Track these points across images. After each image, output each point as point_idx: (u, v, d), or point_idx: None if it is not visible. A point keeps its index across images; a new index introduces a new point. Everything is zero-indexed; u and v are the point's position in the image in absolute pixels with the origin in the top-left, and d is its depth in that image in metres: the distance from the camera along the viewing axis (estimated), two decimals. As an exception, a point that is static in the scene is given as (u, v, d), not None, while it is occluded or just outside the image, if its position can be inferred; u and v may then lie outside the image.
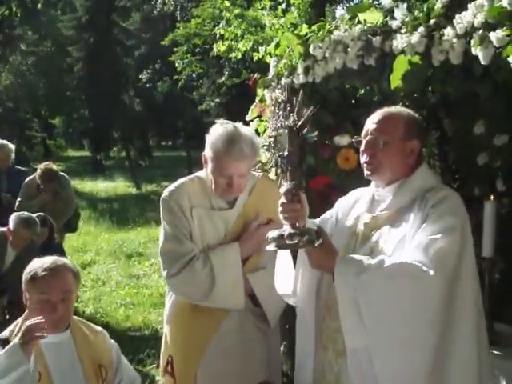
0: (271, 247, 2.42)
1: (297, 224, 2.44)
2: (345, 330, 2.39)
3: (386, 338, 2.32)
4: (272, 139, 2.61)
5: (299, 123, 2.47)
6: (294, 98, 2.53)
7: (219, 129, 3.06)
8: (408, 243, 2.40)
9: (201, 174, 3.26)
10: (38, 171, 7.27)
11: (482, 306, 2.48)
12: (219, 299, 3.11)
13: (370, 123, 2.61)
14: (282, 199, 2.47)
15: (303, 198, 2.52)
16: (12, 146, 7.69)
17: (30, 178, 7.37)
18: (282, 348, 4.30)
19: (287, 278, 2.74)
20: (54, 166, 7.51)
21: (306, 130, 2.49)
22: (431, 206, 2.41)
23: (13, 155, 7.62)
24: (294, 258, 2.68)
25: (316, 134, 2.52)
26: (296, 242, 2.37)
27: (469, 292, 2.36)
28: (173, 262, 3.09)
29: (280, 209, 2.47)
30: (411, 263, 2.28)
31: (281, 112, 2.55)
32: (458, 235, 2.34)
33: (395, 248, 2.44)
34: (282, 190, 2.49)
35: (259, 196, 3.24)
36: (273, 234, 2.41)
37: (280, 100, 2.58)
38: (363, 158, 2.63)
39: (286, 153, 2.49)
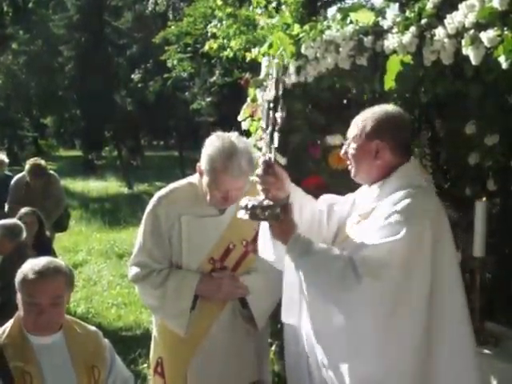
0: (241, 215, 2.55)
1: (269, 196, 2.56)
2: (283, 303, 2.58)
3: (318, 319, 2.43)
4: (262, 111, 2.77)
5: (272, 98, 2.56)
6: (276, 73, 2.67)
7: (216, 142, 2.98)
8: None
9: (193, 179, 3.22)
10: (27, 166, 7.30)
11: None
12: (164, 320, 3.26)
13: (350, 126, 2.65)
14: (258, 170, 2.60)
15: (278, 172, 2.62)
16: (6, 160, 7.81)
17: (19, 175, 7.39)
18: (273, 348, 4.31)
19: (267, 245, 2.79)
20: (43, 162, 7.51)
21: (277, 107, 2.57)
22: (395, 211, 2.37)
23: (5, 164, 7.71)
24: None
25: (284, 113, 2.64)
26: (259, 213, 2.51)
27: (412, 304, 2.33)
28: (135, 266, 3.23)
29: (257, 179, 2.61)
30: (345, 262, 2.36)
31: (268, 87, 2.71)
32: (404, 246, 2.30)
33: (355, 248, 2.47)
34: (260, 161, 2.61)
35: None
36: (245, 202, 2.55)
37: (270, 76, 2.73)
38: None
39: (263, 125, 2.63)
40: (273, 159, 2.62)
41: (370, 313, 2.31)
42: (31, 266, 2.78)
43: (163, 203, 3.17)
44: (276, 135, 2.59)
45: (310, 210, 2.79)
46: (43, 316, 2.73)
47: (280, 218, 2.51)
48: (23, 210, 6.12)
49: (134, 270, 3.22)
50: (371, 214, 2.52)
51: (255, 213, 2.51)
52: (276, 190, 2.60)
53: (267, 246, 2.78)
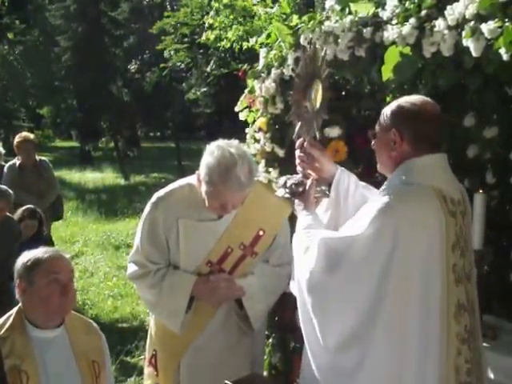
0: (281, 193, 2.87)
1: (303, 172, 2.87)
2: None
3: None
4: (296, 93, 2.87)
5: (324, 75, 2.70)
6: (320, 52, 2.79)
7: (216, 153, 2.91)
8: None
9: (192, 180, 3.16)
10: (16, 140, 7.38)
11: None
12: (159, 318, 3.29)
13: None
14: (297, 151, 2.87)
15: (314, 153, 2.82)
16: (3, 151, 7.81)
17: (11, 162, 7.43)
18: (270, 340, 4.31)
19: None
20: (31, 135, 7.63)
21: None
22: (368, 205, 2.38)
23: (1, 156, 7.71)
24: None
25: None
26: (287, 190, 2.83)
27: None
28: (133, 263, 3.25)
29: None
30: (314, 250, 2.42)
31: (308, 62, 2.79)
32: (363, 242, 2.28)
33: None
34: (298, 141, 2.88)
35: (251, 206, 3.16)
36: (282, 179, 2.87)
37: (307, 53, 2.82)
38: None
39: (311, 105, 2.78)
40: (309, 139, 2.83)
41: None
42: (35, 252, 2.73)
43: (161, 205, 3.14)
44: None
45: (360, 195, 2.79)
46: (68, 295, 2.69)
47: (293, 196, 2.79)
48: (25, 212, 6.06)
49: (131, 268, 3.23)
50: None
51: (286, 189, 2.83)
52: (312, 169, 2.84)
53: None
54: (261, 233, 3.16)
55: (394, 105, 2.47)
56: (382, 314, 2.25)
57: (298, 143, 2.87)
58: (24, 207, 6.08)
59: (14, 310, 2.77)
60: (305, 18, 3.83)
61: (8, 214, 5.58)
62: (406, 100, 2.46)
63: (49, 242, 6.50)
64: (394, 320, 2.25)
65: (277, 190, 2.88)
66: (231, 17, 11.10)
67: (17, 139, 7.36)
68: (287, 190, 2.77)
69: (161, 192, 3.21)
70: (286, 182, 2.78)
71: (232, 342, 3.22)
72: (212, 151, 2.93)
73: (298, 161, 2.86)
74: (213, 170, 2.89)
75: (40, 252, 2.73)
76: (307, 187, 2.75)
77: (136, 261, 3.21)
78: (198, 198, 3.07)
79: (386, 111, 2.47)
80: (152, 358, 3.35)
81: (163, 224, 3.12)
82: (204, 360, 3.19)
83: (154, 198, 3.19)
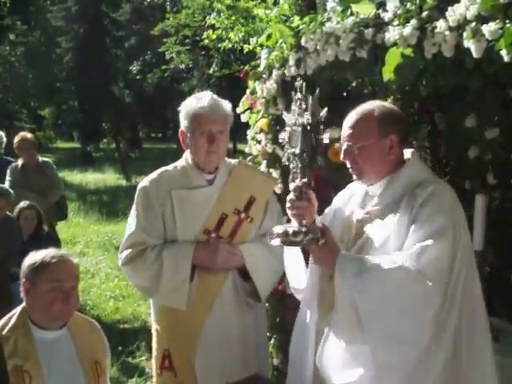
0: (276, 242, 2.43)
1: (303, 222, 2.47)
2: (339, 325, 2.46)
3: (382, 334, 2.35)
4: (286, 135, 2.63)
5: (312, 122, 2.49)
6: (310, 97, 2.53)
7: (188, 100, 3.21)
8: (393, 243, 2.42)
9: (180, 162, 3.33)
10: (15, 141, 7.35)
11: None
12: (162, 297, 3.22)
13: (345, 128, 2.58)
14: (291, 195, 2.52)
15: (311, 196, 2.57)
16: (2, 134, 7.77)
17: (13, 164, 7.41)
18: (272, 341, 4.30)
19: (299, 273, 2.76)
20: (29, 135, 7.60)
21: (319, 130, 2.51)
22: (419, 206, 2.38)
23: (3, 143, 7.69)
24: (304, 252, 2.71)
25: (328, 135, 2.52)
26: (300, 239, 2.39)
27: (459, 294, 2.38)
28: (127, 249, 3.21)
29: (288, 205, 2.52)
30: (410, 271, 2.29)
31: (296, 108, 2.57)
32: (448, 237, 2.34)
33: (379, 248, 2.46)
34: (292, 186, 2.53)
35: (239, 178, 3.31)
36: (278, 229, 2.44)
37: (296, 97, 2.59)
38: (347, 164, 2.63)
39: (297, 150, 2.51)
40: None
41: (435, 313, 2.33)
42: (43, 254, 2.73)
43: (153, 181, 3.26)
44: (319, 158, 2.54)
45: None
46: (71, 302, 2.69)
47: (320, 242, 2.41)
48: (22, 204, 6.08)
49: (125, 253, 3.20)
50: (387, 212, 2.51)
51: (291, 239, 2.41)
52: (308, 215, 2.54)
53: (300, 274, 2.75)
54: (252, 198, 3.27)
55: (377, 113, 2.52)
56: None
57: (294, 187, 2.56)
58: (21, 202, 6.09)
59: (18, 309, 2.76)
60: (306, 19, 3.83)
61: (8, 213, 5.60)
62: (381, 105, 2.57)
63: (55, 243, 6.49)
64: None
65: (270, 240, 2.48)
66: (233, 18, 11.11)
67: (16, 140, 7.36)
68: (291, 239, 2.41)
69: (150, 174, 3.33)
70: (286, 231, 2.41)
71: (241, 325, 3.24)
72: (185, 101, 3.24)
73: (293, 211, 2.52)
74: (189, 104, 3.17)
75: (48, 255, 2.72)
76: (326, 235, 2.44)
77: (131, 243, 3.19)
78: (186, 169, 3.25)
79: (369, 121, 2.51)
80: (164, 360, 3.28)
81: (157, 199, 3.19)
82: (216, 352, 3.16)
83: (144, 180, 3.33)
